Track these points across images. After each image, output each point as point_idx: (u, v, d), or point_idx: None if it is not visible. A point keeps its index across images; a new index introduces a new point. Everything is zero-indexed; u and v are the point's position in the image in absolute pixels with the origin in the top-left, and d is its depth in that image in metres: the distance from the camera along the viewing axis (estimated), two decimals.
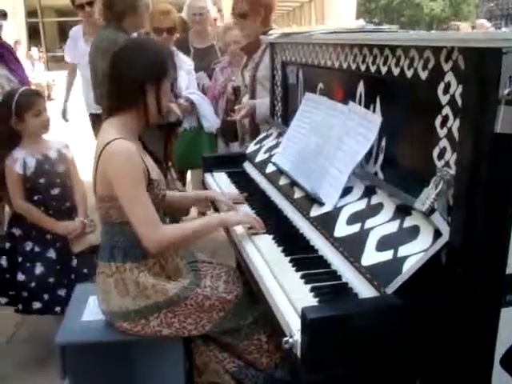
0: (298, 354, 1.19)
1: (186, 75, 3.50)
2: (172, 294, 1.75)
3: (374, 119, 1.58)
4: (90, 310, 1.95)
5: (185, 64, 3.54)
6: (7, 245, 2.46)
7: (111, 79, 1.78)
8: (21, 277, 2.41)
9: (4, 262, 2.45)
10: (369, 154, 1.65)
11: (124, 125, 1.75)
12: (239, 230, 1.83)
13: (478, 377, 1.28)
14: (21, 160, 2.37)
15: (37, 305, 2.42)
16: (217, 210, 2.18)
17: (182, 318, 1.76)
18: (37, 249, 2.43)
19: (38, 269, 2.41)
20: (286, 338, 1.23)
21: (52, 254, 2.44)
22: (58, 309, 2.42)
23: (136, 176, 1.67)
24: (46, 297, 2.42)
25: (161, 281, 1.77)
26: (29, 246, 2.43)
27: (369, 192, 1.56)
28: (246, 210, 2.00)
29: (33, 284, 2.40)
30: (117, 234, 1.76)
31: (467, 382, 1.28)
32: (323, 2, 14.81)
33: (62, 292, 2.44)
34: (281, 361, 1.85)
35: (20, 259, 2.42)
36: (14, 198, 2.40)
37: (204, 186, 2.56)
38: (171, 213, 2.26)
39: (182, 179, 3.99)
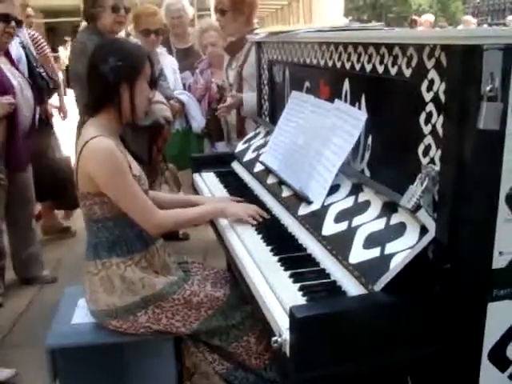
0: (287, 353, 1.19)
1: (172, 75, 3.49)
2: (159, 288, 1.77)
3: (359, 116, 1.59)
4: (79, 312, 1.94)
5: (170, 64, 3.54)
6: None
7: (87, 79, 1.81)
8: None
9: None
10: (355, 152, 1.66)
11: (103, 124, 1.77)
12: (228, 229, 1.83)
13: (466, 372, 1.29)
14: None
15: None
16: None
17: (170, 315, 1.77)
18: None
19: None
20: (275, 338, 1.23)
21: None
22: None
23: (120, 167, 1.70)
24: None
25: (148, 274, 1.79)
26: None
27: (356, 190, 1.57)
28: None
29: None
30: (100, 231, 1.79)
31: (456, 377, 1.28)
32: (311, 0, 14.81)
33: None
34: (270, 362, 1.85)
35: None
36: None
37: (194, 187, 2.56)
38: None
39: (177, 181, 3.99)
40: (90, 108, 1.82)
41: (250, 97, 2.82)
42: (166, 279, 1.81)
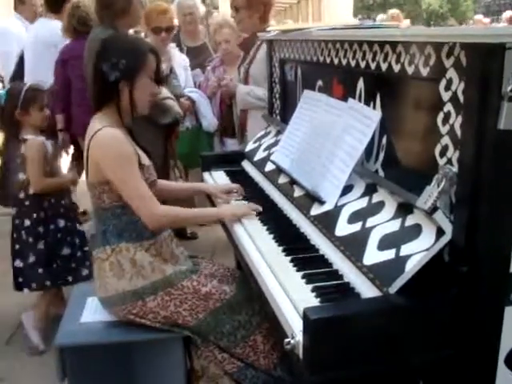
0: (300, 355, 1.18)
1: (183, 72, 3.48)
2: (169, 274, 1.80)
3: (373, 115, 1.57)
4: (88, 311, 1.94)
5: (182, 61, 3.53)
6: (41, 228, 2.56)
7: (92, 75, 1.86)
8: (67, 251, 2.61)
9: (42, 245, 2.57)
10: (369, 152, 1.64)
11: (108, 118, 1.81)
12: (239, 228, 1.81)
13: (481, 377, 1.26)
14: (44, 143, 2.54)
15: (86, 271, 2.64)
16: (212, 202, 2.21)
17: (178, 303, 1.79)
18: (69, 224, 2.64)
19: (78, 241, 2.66)
20: (287, 339, 1.21)
21: (80, 227, 2.71)
22: (86, 272, 2.66)
23: (126, 155, 1.74)
24: (87, 263, 2.63)
25: (157, 260, 1.82)
26: (61, 222, 2.61)
27: (370, 190, 1.55)
28: (237, 202, 2.04)
29: (79, 254, 2.65)
30: (109, 218, 1.81)
31: (471, 382, 1.26)
32: None
33: (87, 260, 2.67)
34: (279, 361, 1.84)
35: (59, 235, 2.59)
36: (39, 177, 2.51)
37: None
38: None
39: (186, 179, 3.99)
40: (94, 103, 1.85)
41: (240, 89, 2.93)
42: (174, 267, 1.84)
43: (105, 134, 1.74)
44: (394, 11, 7.35)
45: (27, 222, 2.55)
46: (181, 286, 1.79)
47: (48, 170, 2.56)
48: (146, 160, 1.85)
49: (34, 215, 2.54)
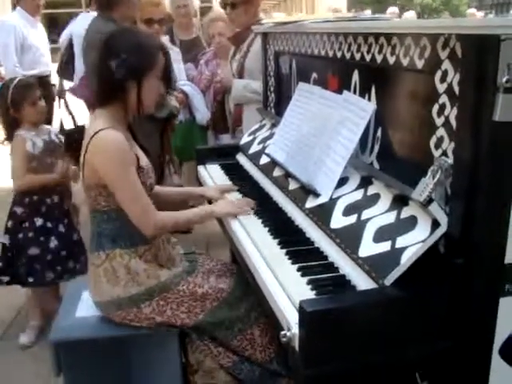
0: (296, 347, 1.18)
1: (176, 66, 3.47)
2: (164, 279, 1.77)
3: (367, 107, 1.56)
4: (83, 306, 1.93)
5: (174, 54, 3.51)
6: (9, 223, 2.53)
7: (96, 70, 1.79)
8: (34, 251, 2.51)
9: (6, 240, 2.53)
10: (365, 144, 1.64)
11: (111, 115, 1.76)
12: (234, 222, 1.81)
13: (476, 367, 1.27)
14: (30, 140, 2.49)
15: (51, 276, 2.55)
16: (211, 203, 2.18)
17: (175, 306, 1.77)
18: (49, 224, 2.55)
19: (53, 242, 2.55)
20: (283, 332, 1.21)
21: (62, 228, 2.60)
22: (66, 276, 2.59)
23: (124, 160, 1.69)
24: (59, 268, 2.56)
25: (152, 267, 1.79)
26: (39, 221, 2.53)
27: (365, 182, 1.55)
28: (233, 198, 2.02)
29: (48, 257, 2.53)
30: (104, 221, 1.78)
31: (466, 372, 1.27)
32: None
33: (71, 263, 2.61)
34: (275, 354, 1.84)
35: (31, 234, 2.51)
36: (19, 174, 2.48)
37: (198, 179, 2.54)
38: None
39: (180, 172, 3.98)
40: (98, 99, 1.80)
41: (236, 83, 2.88)
42: (169, 272, 1.81)
43: (105, 137, 1.68)
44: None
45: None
46: (176, 290, 1.77)
47: (35, 166, 2.49)
48: (144, 161, 1.81)
49: (13, 209, 2.52)
